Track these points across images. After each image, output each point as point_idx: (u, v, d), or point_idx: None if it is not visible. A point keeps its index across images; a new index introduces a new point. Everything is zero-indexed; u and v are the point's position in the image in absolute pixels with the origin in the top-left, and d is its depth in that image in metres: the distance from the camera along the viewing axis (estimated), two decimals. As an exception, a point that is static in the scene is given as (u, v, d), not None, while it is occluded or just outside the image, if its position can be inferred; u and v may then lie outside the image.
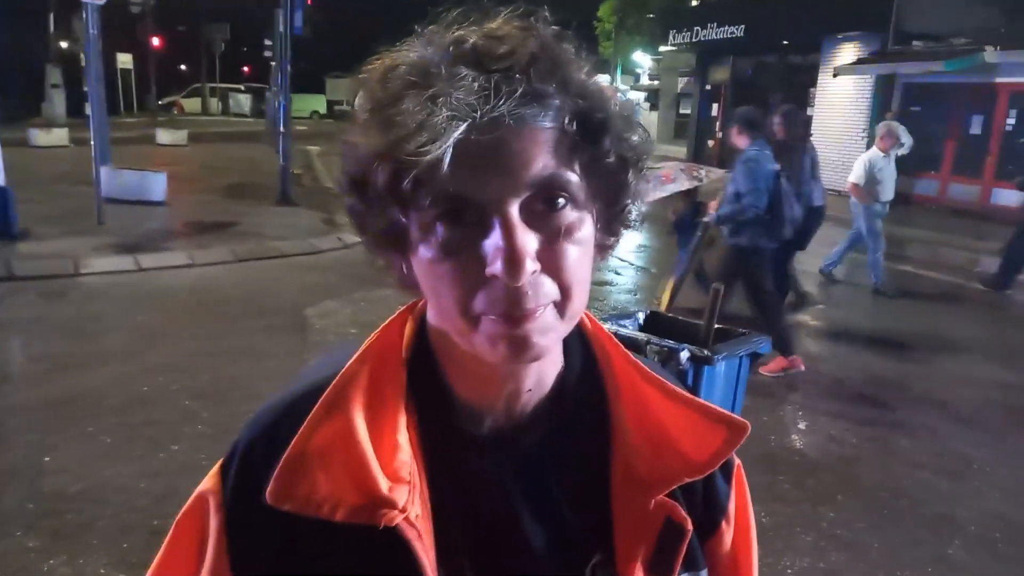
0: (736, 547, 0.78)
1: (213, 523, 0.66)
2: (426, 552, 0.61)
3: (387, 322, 0.70)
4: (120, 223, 8.54)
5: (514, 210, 0.56)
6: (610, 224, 0.65)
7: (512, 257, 0.54)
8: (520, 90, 0.54)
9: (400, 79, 0.56)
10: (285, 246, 8.34)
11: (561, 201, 0.58)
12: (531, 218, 0.57)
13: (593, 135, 0.59)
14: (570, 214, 0.58)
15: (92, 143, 8.61)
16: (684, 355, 2.90)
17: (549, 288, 0.58)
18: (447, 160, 0.53)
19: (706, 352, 2.93)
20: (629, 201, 0.65)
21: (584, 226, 0.60)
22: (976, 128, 14.19)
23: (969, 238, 11.35)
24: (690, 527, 0.68)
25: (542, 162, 0.56)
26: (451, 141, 0.53)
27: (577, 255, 0.59)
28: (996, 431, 4.58)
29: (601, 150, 0.60)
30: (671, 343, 2.98)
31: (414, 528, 0.60)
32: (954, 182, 14.34)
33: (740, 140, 5.21)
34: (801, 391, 5.07)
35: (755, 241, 5.10)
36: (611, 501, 0.68)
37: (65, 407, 4.13)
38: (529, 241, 0.56)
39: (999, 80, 13.42)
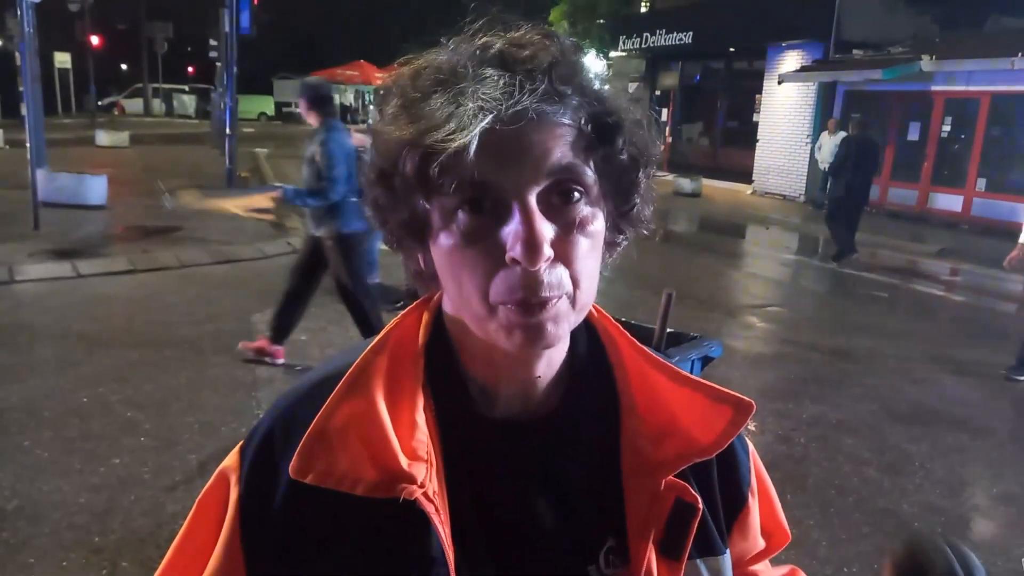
0: (763, 515, 0.83)
1: (232, 497, 0.68)
2: (443, 526, 0.63)
3: (403, 313, 0.73)
4: (57, 228, 8.25)
5: (532, 198, 0.59)
6: (619, 223, 0.69)
7: (530, 241, 0.58)
8: (542, 88, 0.59)
9: (429, 78, 0.61)
10: (231, 251, 8.16)
11: (576, 194, 0.62)
12: (548, 210, 0.60)
13: (607, 135, 0.63)
14: (584, 208, 0.62)
15: (28, 145, 8.30)
16: (636, 359, 2.91)
17: (563, 278, 0.61)
18: (473, 147, 0.57)
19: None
20: (639, 200, 0.69)
21: (596, 221, 0.64)
22: (914, 134, 14.70)
23: (908, 240, 11.74)
24: (700, 506, 0.69)
25: (560, 153, 0.60)
26: (477, 130, 0.57)
27: (589, 248, 0.63)
28: (933, 426, 4.73)
29: (614, 149, 0.64)
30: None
31: (432, 503, 0.63)
32: (893, 186, 14.83)
33: (311, 117, 4.73)
34: (748, 393, 5.15)
35: (352, 225, 4.74)
36: (622, 484, 0.70)
37: (-2, 420, 3.96)
38: (546, 228, 0.59)
39: (935, 88, 13.92)
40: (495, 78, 0.59)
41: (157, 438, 3.86)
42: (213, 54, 14.79)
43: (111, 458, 3.62)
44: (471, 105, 0.57)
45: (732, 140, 19.38)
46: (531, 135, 0.59)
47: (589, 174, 0.62)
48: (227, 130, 11.12)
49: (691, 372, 3.18)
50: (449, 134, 0.57)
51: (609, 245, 0.69)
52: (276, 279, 7.23)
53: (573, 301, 0.62)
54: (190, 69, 44.10)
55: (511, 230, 0.59)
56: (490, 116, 0.57)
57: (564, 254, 0.61)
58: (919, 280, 9.56)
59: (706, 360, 3.25)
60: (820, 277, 9.83)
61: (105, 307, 6.11)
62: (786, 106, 16.87)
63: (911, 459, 4.23)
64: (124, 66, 43.87)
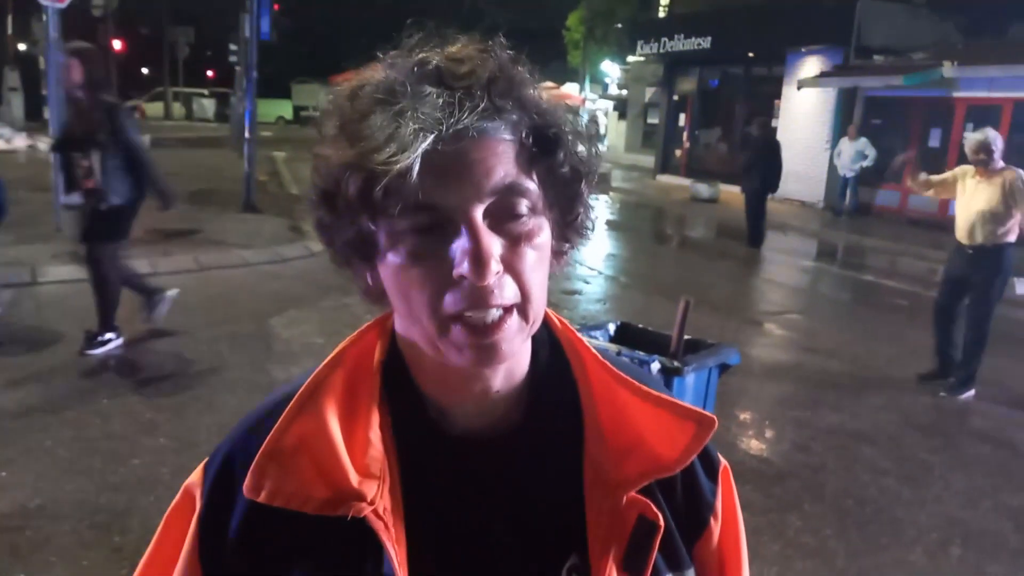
0: (723, 543, 0.79)
1: (194, 514, 0.70)
2: (395, 545, 0.63)
3: (359, 331, 0.73)
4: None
5: (478, 215, 0.60)
6: (565, 232, 0.69)
7: (478, 257, 0.58)
8: (482, 105, 0.59)
9: (368, 97, 0.61)
10: (249, 255, 8.22)
11: (521, 208, 0.62)
12: (494, 224, 0.61)
13: (548, 148, 0.63)
14: (529, 221, 0.63)
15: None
16: (655, 366, 2.91)
17: (511, 291, 0.61)
18: (416, 169, 0.57)
19: (676, 363, 2.95)
20: (582, 210, 0.69)
21: (542, 232, 0.64)
22: (935, 141, 14.56)
23: (927, 248, 11.61)
24: (662, 523, 0.68)
25: (503, 171, 0.60)
26: (419, 151, 0.57)
27: (536, 259, 0.63)
28: (952, 437, 4.68)
29: (556, 161, 0.64)
30: (642, 354, 3.00)
31: (381, 521, 0.63)
32: (914, 193, 14.67)
33: None
34: (766, 401, 5.13)
35: None
36: (584, 500, 0.69)
37: (21, 420, 4.01)
38: (494, 243, 0.60)
39: (956, 95, 13.79)
40: (434, 96, 0.59)
41: (176, 439, 3.89)
42: (233, 59, 14.90)
43: (131, 458, 3.67)
44: (411, 125, 0.57)
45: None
46: (474, 153, 0.59)
47: (533, 188, 0.62)
48: (246, 134, 11.17)
49: (709, 380, 3.18)
50: (391, 156, 0.57)
51: (556, 254, 0.69)
52: (294, 283, 7.32)
53: (524, 315, 0.62)
54: (210, 73, 44.52)
55: (458, 247, 0.59)
56: (431, 136, 0.57)
57: (512, 267, 0.61)
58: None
59: (723, 367, 3.24)
60: (839, 284, 9.76)
61: (126, 308, 6.16)
62: (805, 112, 16.78)
63: (931, 469, 4.19)
64: (145, 70, 44.39)
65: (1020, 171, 5.10)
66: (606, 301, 7.63)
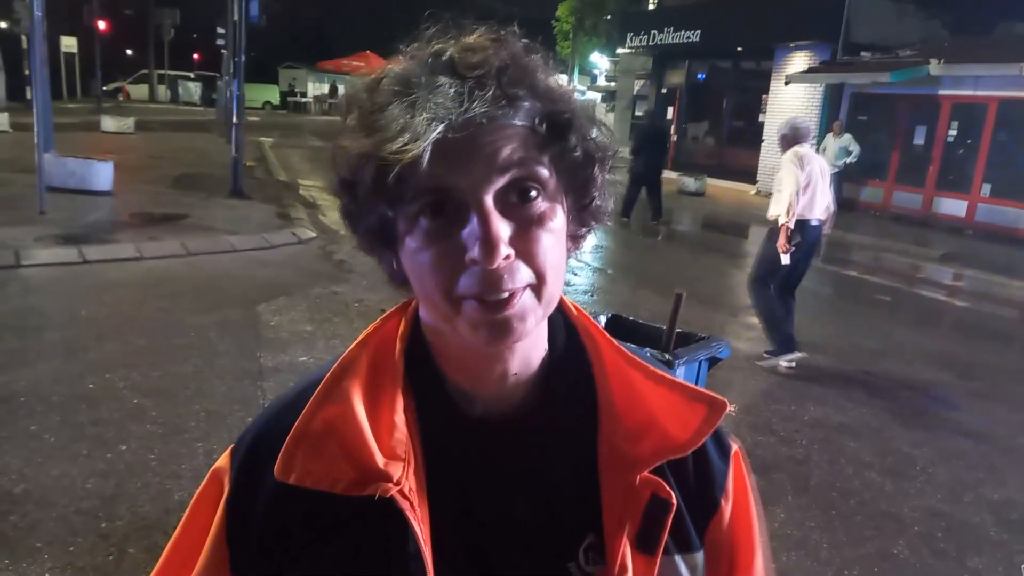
0: (735, 527, 0.80)
1: (222, 497, 0.71)
2: (420, 523, 0.65)
3: (382, 316, 0.75)
4: (64, 213, 8.26)
5: (489, 199, 0.61)
6: (581, 215, 0.71)
7: (487, 241, 0.59)
8: (491, 94, 0.61)
9: (385, 89, 0.63)
10: (237, 240, 8.17)
11: (532, 192, 0.63)
12: (505, 208, 0.62)
13: (559, 132, 0.65)
14: (541, 204, 0.64)
15: (35, 129, 8.29)
16: (645, 358, 2.93)
17: (524, 273, 0.62)
18: (427, 156, 0.59)
19: (667, 356, 2.97)
20: (596, 194, 0.71)
21: (556, 216, 0.65)
22: (920, 138, 14.69)
23: (911, 244, 11.74)
24: (675, 502, 0.70)
25: (512, 153, 0.62)
26: (430, 140, 0.59)
27: (550, 242, 0.64)
28: (936, 431, 4.75)
29: (568, 145, 0.65)
30: (633, 346, 3.01)
31: (407, 500, 0.65)
32: (898, 190, 14.83)
33: None
34: (751, 394, 5.17)
35: None
36: (599, 481, 0.71)
37: (6, 405, 3.98)
38: (503, 228, 0.61)
39: (942, 92, 13.91)
40: (447, 86, 0.60)
41: (164, 425, 3.87)
42: (220, 42, 14.71)
43: (118, 444, 3.64)
44: (424, 115, 0.59)
45: (737, 140, 19.36)
46: (483, 139, 0.61)
47: (544, 172, 0.64)
48: (234, 119, 11.05)
49: (699, 372, 3.20)
50: (403, 145, 0.59)
51: (573, 238, 0.71)
52: (281, 269, 7.29)
53: (538, 294, 0.64)
54: (195, 56, 44.03)
55: (469, 231, 0.61)
56: (442, 125, 0.59)
57: (525, 250, 0.62)
58: (922, 285, 9.57)
59: (713, 361, 3.26)
60: (822, 279, 9.84)
61: (113, 293, 6.12)
62: (792, 107, 16.83)
63: (913, 463, 4.25)
64: (130, 51, 43.81)
65: (800, 150, 5.44)
66: (594, 293, 7.65)
